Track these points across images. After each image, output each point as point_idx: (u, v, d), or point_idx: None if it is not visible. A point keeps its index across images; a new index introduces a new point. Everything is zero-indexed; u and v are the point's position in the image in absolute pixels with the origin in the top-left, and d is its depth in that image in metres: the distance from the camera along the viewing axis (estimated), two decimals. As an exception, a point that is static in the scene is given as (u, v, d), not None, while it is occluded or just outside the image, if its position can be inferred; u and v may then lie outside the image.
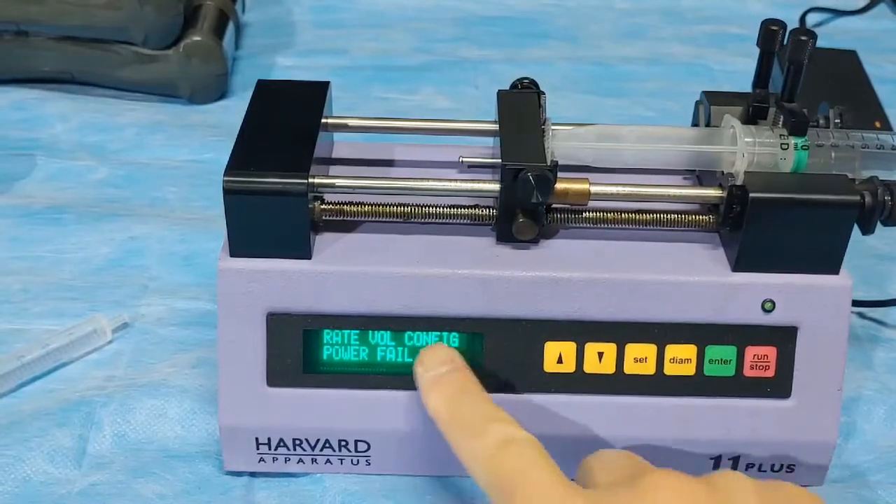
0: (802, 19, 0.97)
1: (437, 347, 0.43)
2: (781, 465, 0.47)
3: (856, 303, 0.60)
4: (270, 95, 0.50)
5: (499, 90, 0.51)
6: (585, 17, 0.97)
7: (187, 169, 0.73)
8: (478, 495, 0.47)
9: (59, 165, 0.72)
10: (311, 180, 0.43)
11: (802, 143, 0.46)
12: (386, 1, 0.98)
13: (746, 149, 0.46)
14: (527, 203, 0.44)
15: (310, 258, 0.45)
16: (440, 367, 0.42)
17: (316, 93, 0.50)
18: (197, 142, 0.76)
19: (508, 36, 0.93)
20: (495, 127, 0.49)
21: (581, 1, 1.00)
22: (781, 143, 0.46)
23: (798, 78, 0.47)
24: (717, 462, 0.47)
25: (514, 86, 0.52)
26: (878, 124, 0.76)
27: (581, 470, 0.39)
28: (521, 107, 0.49)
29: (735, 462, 0.47)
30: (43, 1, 0.76)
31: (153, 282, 0.61)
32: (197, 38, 0.80)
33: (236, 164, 0.44)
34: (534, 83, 0.52)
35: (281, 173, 0.43)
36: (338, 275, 0.44)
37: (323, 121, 0.48)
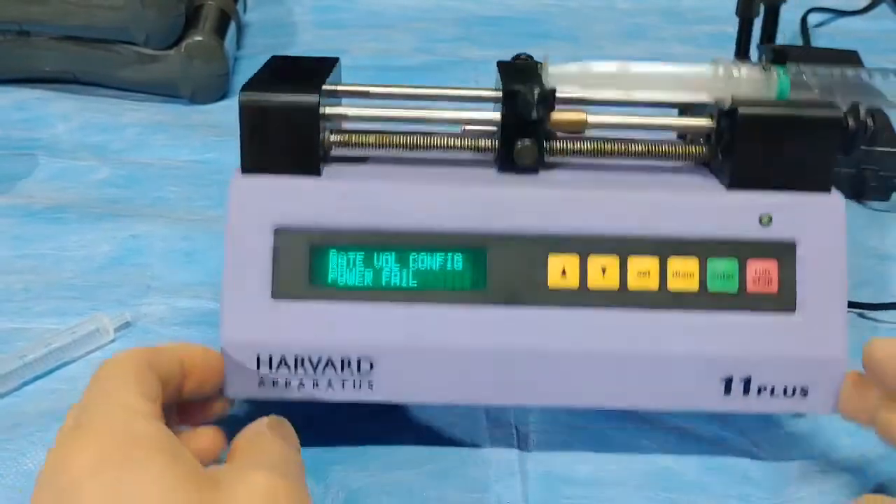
0: (804, 19, 0.97)
1: None
2: (794, 389, 0.47)
3: (856, 304, 0.61)
4: (284, 59, 0.52)
5: (498, 60, 0.52)
6: (587, 17, 0.98)
7: (189, 169, 0.73)
8: (480, 488, 0.47)
9: (61, 165, 0.72)
10: (322, 99, 0.45)
11: (784, 71, 0.48)
12: (387, 1, 0.98)
13: (731, 69, 0.48)
14: (527, 120, 0.46)
15: (319, 175, 0.46)
16: None
17: (327, 62, 0.52)
18: (198, 142, 0.76)
19: (509, 36, 0.93)
20: (498, 94, 0.50)
21: (582, 1, 1.00)
22: (764, 68, 0.48)
23: (776, 20, 0.51)
24: (728, 385, 0.47)
25: (513, 59, 0.53)
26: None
27: None
28: (519, 66, 0.51)
29: (746, 385, 0.47)
30: (45, 1, 0.77)
31: (155, 281, 0.61)
32: (198, 39, 0.80)
33: (253, 84, 0.46)
34: (531, 57, 0.52)
35: (295, 89, 0.45)
36: (345, 190, 0.46)
37: (332, 88, 0.49)
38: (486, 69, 0.52)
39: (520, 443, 0.49)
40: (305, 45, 0.91)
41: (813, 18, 0.98)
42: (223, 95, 0.83)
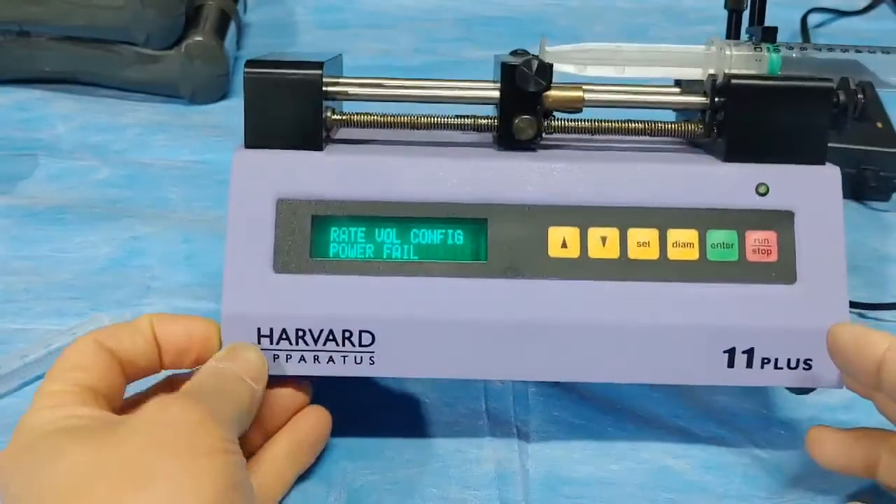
0: (804, 20, 0.97)
1: None
2: (797, 362, 0.47)
3: (856, 304, 0.61)
4: (287, 54, 0.53)
5: (496, 54, 0.53)
6: (587, 17, 0.98)
7: (189, 169, 0.73)
8: (482, 486, 0.47)
9: (62, 165, 0.72)
10: (324, 77, 0.46)
11: (774, 48, 0.49)
12: (387, 1, 0.98)
13: (724, 47, 0.49)
14: (526, 93, 0.47)
15: (321, 150, 0.47)
16: None
17: (330, 55, 0.52)
18: (199, 142, 0.76)
19: (510, 36, 0.93)
20: (496, 86, 0.50)
21: (583, 1, 1.00)
22: (755, 47, 0.49)
23: (764, 2, 0.51)
24: (731, 356, 0.47)
25: (511, 54, 0.53)
26: (879, 125, 0.76)
27: None
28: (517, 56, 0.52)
29: (749, 357, 0.47)
30: (45, 1, 0.77)
31: (155, 282, 0.61)
32: (198, 39, 0.80)
33: (257, 61, 0.47)
34: (527, 52, 0.53)
35: (298, 66, 0.46)
36: (347, 163, 0.46)
37: (334, 78, 0.50)
38: (487, 70, 0.52)
39: (520, 441, 0.50)
40: (306, 45, 0.91)
41: (813, 19, 0.98)
42: (223, 96, 0.83)
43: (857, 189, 0.74)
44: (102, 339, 0.42)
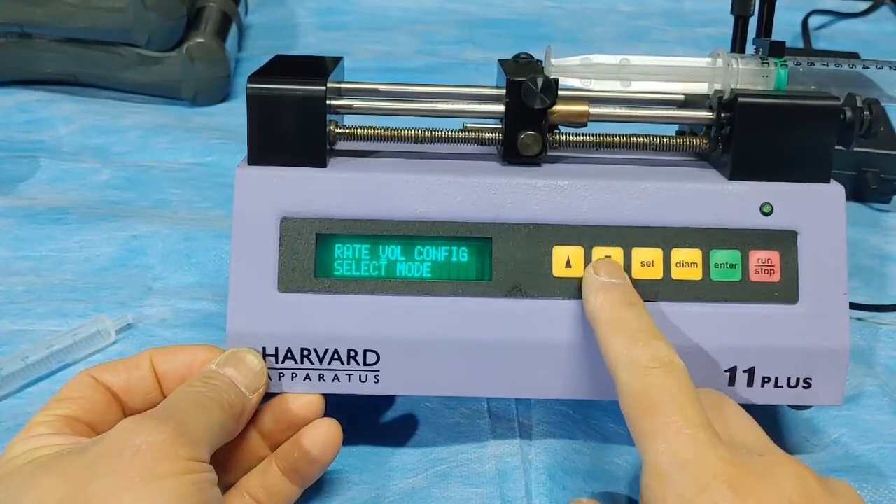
0: (805, 21, 0.97)
1: (613, 262, 0.45)
2: (798, 381, 0.47)
3: (857, 306, 0.61)
4: (288, 57, 0.53)
5: (499, 59, 0.53)
6: (588, 19, 0.98)
7: (190, 171, 0.73)
8: (483, 483, 0.47)
9: (63, 167, 0.72)
10: (329, 86, 0.46)
11: (781, 63, 0.49)
12: (389, 3, 0.98)
13: (730, 61, 0.48)
14: (531, 109, 0.47)
15: (325, 166, 0.46)
16: (612, 277, 0.44)
17: (332, 60, 0.52)
18: (200, 144, 0.76)
19: (511, 38, 0.93)
20: (500, 91, 0.50)
21: (584, 3, 1.00)
22: (762, 61, 0.49)
23: (771, 14, 0.51)
24: (732, 375, 0.47)
25: (514, 59, 0.53)
26: (881, 128, 0.76)
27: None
28: (521, 62, 0.52)
29: (750, 375, 0.47)
30: (46, 3, 0.77)
31: (157, 283, 0.61)
32: (200, 41, 0.80)
33: (260, 75, 0.47)
34: (531, 56, 0.53)
35: (301, 80, 0.46)
36: (351, 180, 0.46)
37: (337, 84, 0.50)
38: (488, 71, 0.53)
39: (522, 437, 0.50)
40: (307, 47, 0.91)
41: (814, 21, 0.98)
42: (225, 97, 0.83)
43: (859, 191, 0.74)
44: (96, 373, 0.43)
